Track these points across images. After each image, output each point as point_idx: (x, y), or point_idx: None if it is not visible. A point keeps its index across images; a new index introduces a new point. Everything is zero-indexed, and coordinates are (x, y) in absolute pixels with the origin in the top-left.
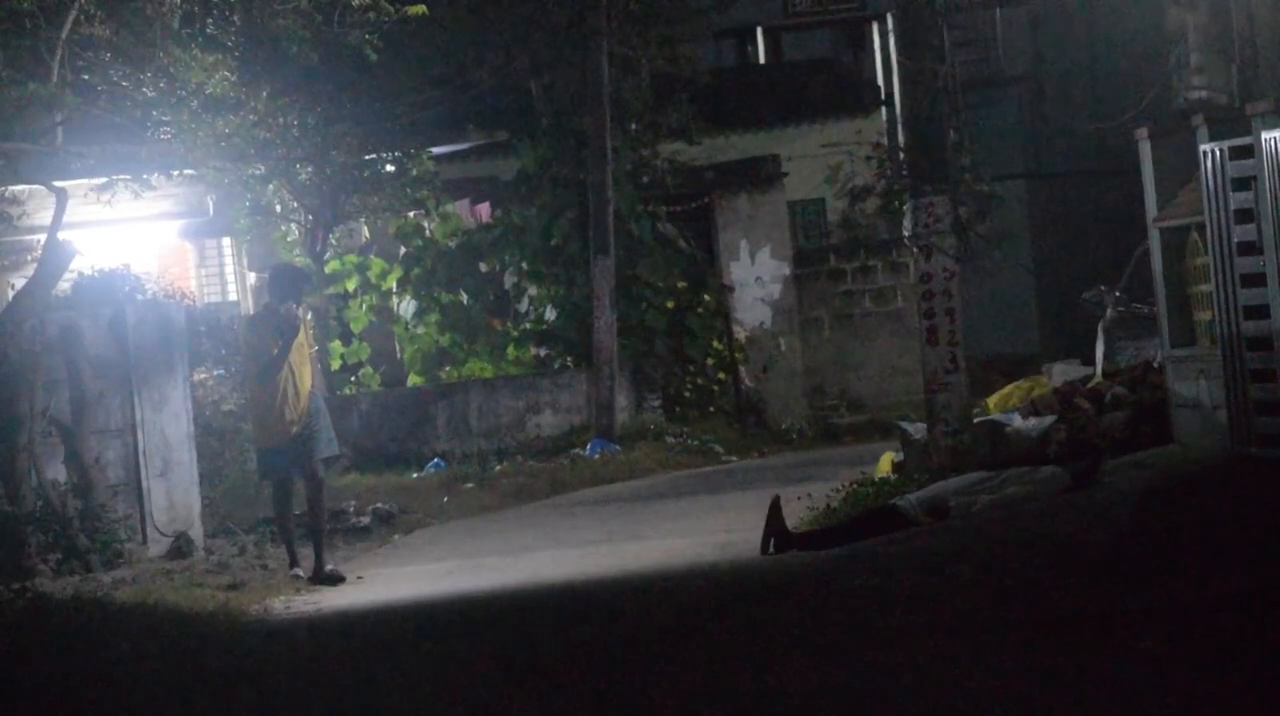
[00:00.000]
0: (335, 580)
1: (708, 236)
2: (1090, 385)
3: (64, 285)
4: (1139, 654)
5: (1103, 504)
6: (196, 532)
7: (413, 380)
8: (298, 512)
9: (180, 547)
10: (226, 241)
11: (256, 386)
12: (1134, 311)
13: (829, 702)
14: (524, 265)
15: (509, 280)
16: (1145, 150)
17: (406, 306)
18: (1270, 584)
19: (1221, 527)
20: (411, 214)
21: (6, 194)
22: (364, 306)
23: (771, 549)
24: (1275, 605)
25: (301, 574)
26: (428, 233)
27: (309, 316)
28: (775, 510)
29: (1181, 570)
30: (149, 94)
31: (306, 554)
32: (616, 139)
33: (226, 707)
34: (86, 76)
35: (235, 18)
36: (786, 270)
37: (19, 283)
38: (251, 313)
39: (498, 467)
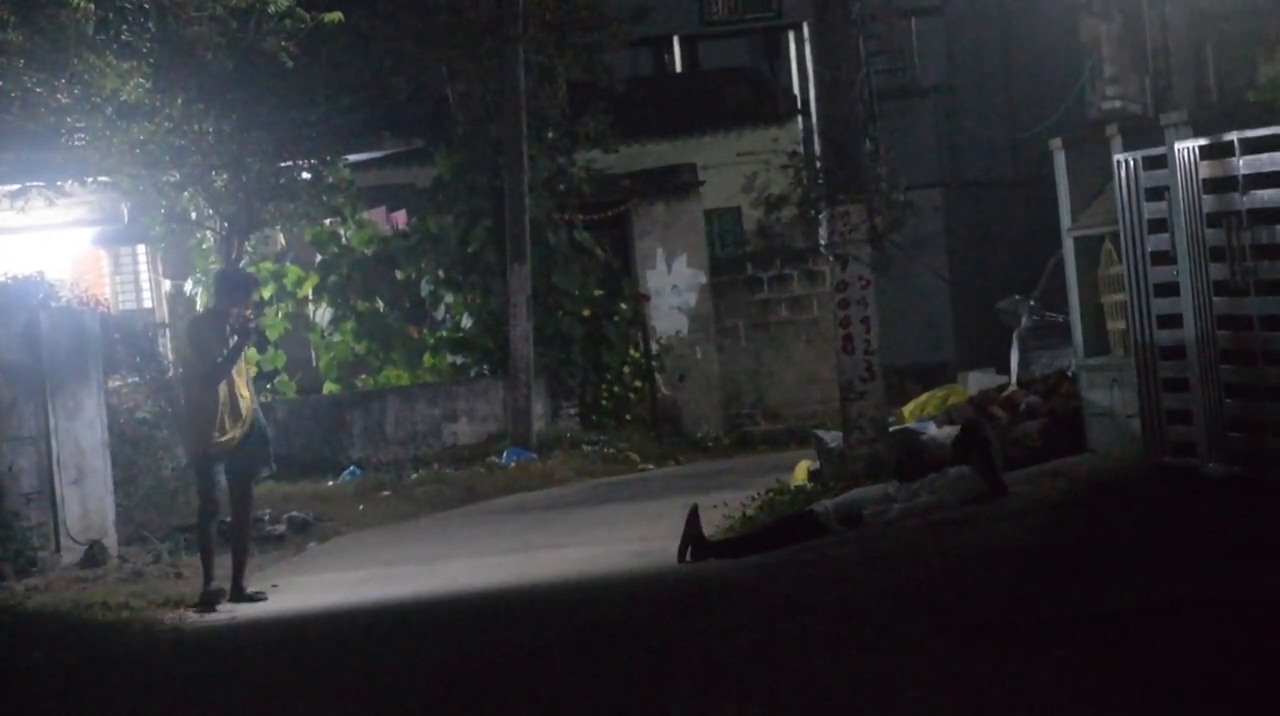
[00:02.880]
0: (257, 600)
1: (624, 245)
2: (1005, 394)
3: None
4: (1054, 662)
5: (1016, 513)
6: (110, 541)
7: (328, 388)
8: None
9: (94, 556)
10: (141, 249)
11: (199, 392)
12: (1049, 320)
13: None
14: (440, 273)
15: (425, 288)
16: (1060, 160)
17: (322, 314)
18: (1181, 594)
19: (1134, 537)
20: (328, 221)
21: None
22: (280, 314)
23: (688, 557)
24: (1186, 614)
25: (222, 587)
26: (344, 240)
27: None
28: (693, 518)
29: (1094, 579)
30: (63, 100)
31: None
32: (533, 147)
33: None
34: (0, 83)
35: (150, 24)
36: (703, 279)
37: None
38: (196, 315)
39: (414, 476)
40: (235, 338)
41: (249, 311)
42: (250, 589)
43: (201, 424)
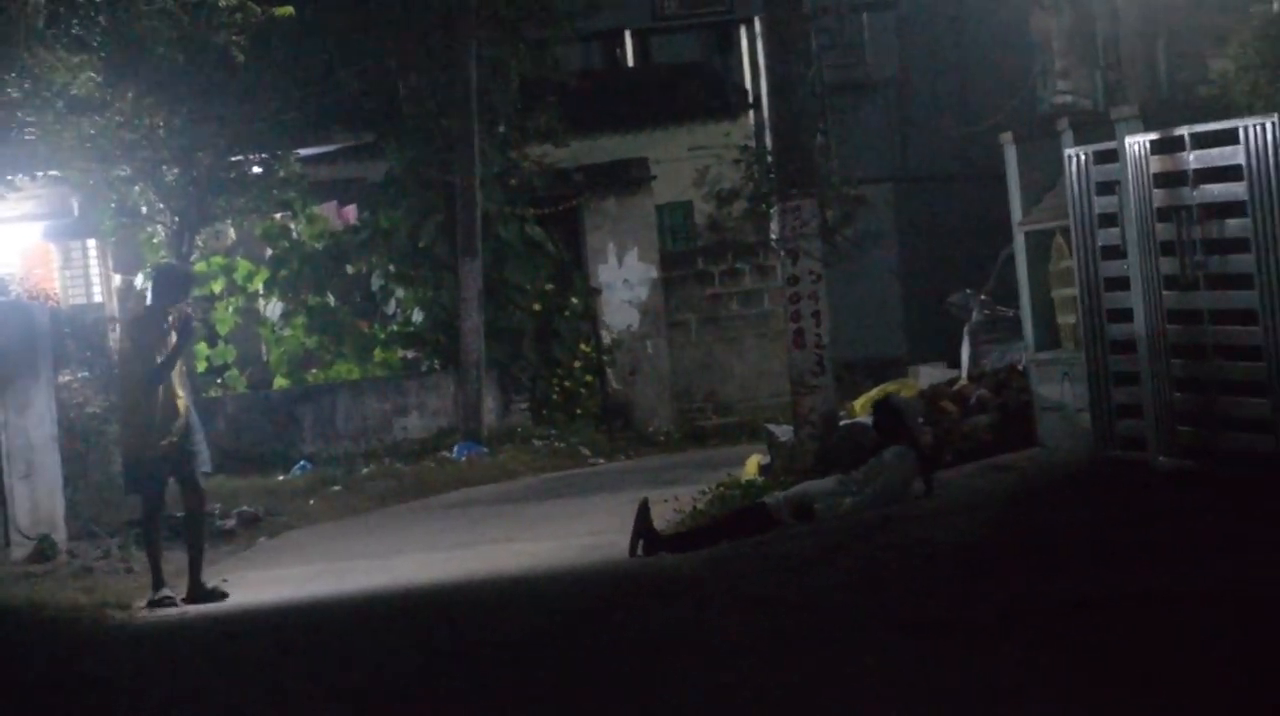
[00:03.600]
0: (219, 597)
1: (575, 239)
2: (956, 388)
3: None
4: (1004, 657)
5: (967, 507)
6: (60, 536)
7: (279, 382)
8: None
9: (43, 550)
10: (91, 243)
11: (141, 392)
12: (999, 314)
13: (715, 709)
14: (391, 268)
15: (376, 282)
16: (1011, 154)
17: (273, 308)
18: (1129, 588)
19: (1083, 532)
20: (278, 216)
21: None
22: (230, 308)
23: (640, 551)
24: (1134, 608)
25: (171, 595)
26: (295, 234)
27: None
28: (643, 512)
29: (1043, 574)
30: (13, 94)
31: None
32: (484, 141)
33: (88, 711)
34: None
35: (100, 18)
36: (654, 273)
37: None
38: (133, 314)
39: (365, 470)
40: (175, 336)
41: (189, 308)
42: (210, 584)
43: (141, 426)
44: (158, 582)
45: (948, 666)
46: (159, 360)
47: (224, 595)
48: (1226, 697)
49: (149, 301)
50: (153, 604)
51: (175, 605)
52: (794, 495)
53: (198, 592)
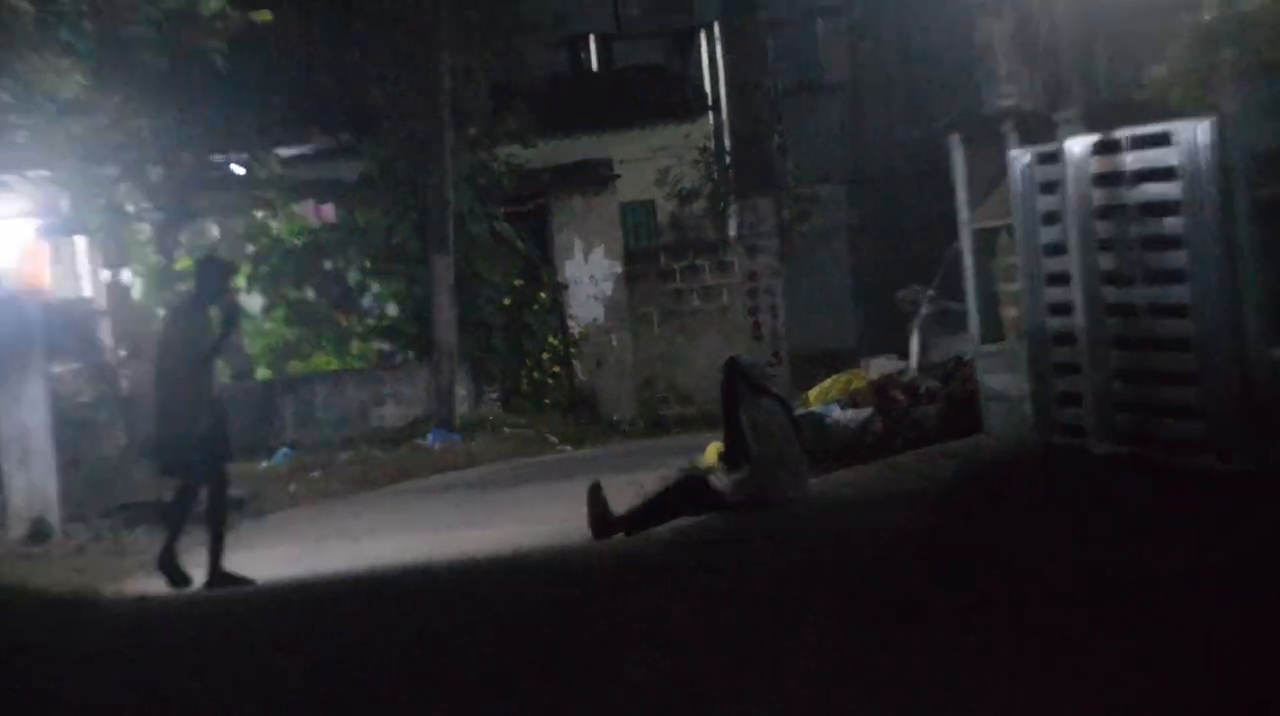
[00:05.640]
0: (246, 583)
1: (543, 236)
2: (905, 379)
3: None
4: (954, 640)
5: (914, 494)
6: (55, 518)
7: (261, 373)
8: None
9: (39, 532)
10: (81, 240)
11: (185, 379)
12: (947, 308)
13: (681, 693)
14: (367, 263)
15: (353, 277)
16: (958, 155)
17: (255, 302)
18: (1072, 572)
19: (1026, 516)
20: (259, 213)
21: None
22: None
23: (597, 536)
24: (1073, 593)
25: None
26: (275, 232)
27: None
28: (595, 497)
29: (987, 559)
30: (4, 98)
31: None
32: (455, 143)
33: (80, 683)
34: None
35: (88, 25)
36: (618, 269)
37: None
38: (177, 306)
39: (343, 457)
40: (225, 325)
41: (233, 297)
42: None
43: (181, 413)
44: (166, 553)
45: (898, 649)
46: (204, 349)
47: (251, 581)
48: (1160, 671)
49: (193, 291)
50: (164, 575)
51: (185, 583)
52: (751, 482)
53: (227, 577)
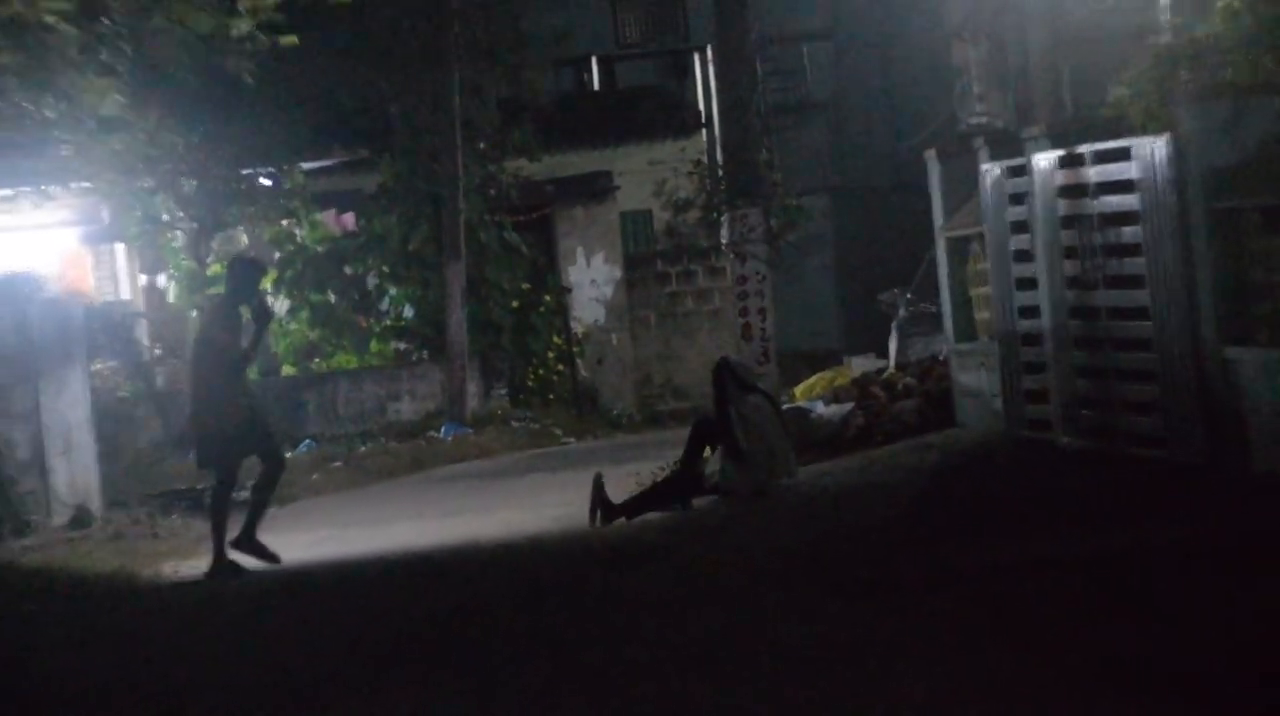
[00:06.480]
0: (273, 558)
1: (548, 243)
2: (885, 376)
3: None
4: (926, 616)
5: (893, 483)
6: (95, 505)
7: (286, 370)
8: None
9: (80, 518)
10: (120, 247)
11: (220, 376)
12: (923, 311)
13: (675, 660)
14: (384, 269)
15: (371, 282)
16: (934, 169)
17: (280, 305)
18: (1038, 554)
19: (997, 503)
20: (284, 222)
21: None
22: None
23: (598, 521)
24: (1043, 572)
25: (235, 561)
26: (299, 239)
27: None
28: (598, 486)
29: (963, 541)
30: (49, 115)
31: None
32: (467, 156)
33: (119, 655)
34: None
35: (127, 47)
36: (618, 274)
37: None
38: (215, 305)
39: (362, 448)
40: (255, 323)
41: (265, 297)
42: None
43: (217, 409)
44: (219, 554)
45: (877, 625)
46: (238, 351)
47: (277, 558)
48: (1118, 646)
49: (227, 291)
50: (213, 571)
51: (238, 574)
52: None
53: (249, 544)
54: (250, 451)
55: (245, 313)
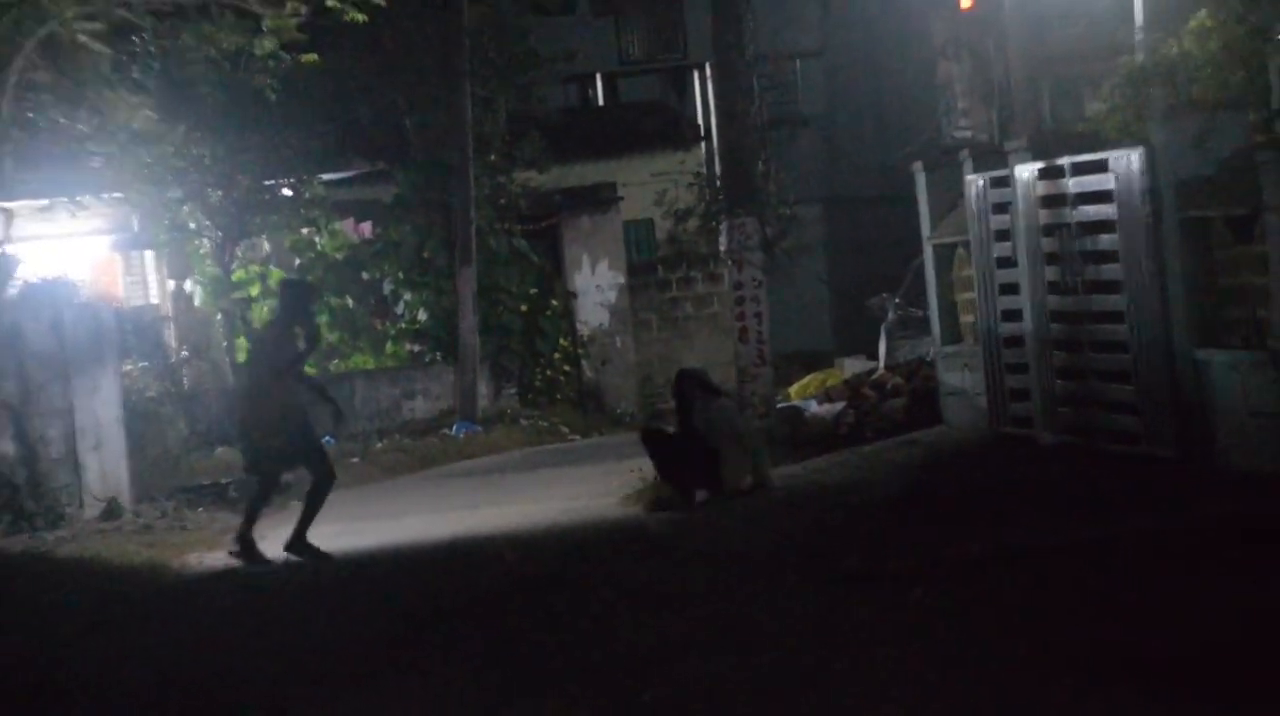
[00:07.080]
0: (324, 558)
1: (555, 251)
2: (874, 377)
3: (11, 292)
4: (913, 601)
5: (882, 480)
6: (125, 498)
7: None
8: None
9: (111, 511)
10: (149, 254)
11: (270, 393)
12: (911, 315)
13: (672, 645)
14: (400, 274)
15: (387, 287)
16: (921, 180)
17: None
18: (1019, 543)
19: (979, 496)
20: (305, 230)
21: None
22: (265, 309)
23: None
24: (1023, 561)
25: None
26: (319, 246)
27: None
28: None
29: (945, 532)
30: (83, 129)
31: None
32: (478, 168)
33: (149, 639)
34: (31, 114)
35: (156, 65)
36: (621, 279)
37: None
38: (263, 326)
39: (378, 445)
40: (304, 345)
41: (316, 321)
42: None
43: (264, 423)
44: (244, 535)
45: (867, 609)
46: (284, 362)
47: (326, 555)
48: (1095, 627)
49: (278, 315)
50: (240, 542)
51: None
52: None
53: (300, 547)
54: (298, 464)
55: (298, 332)
